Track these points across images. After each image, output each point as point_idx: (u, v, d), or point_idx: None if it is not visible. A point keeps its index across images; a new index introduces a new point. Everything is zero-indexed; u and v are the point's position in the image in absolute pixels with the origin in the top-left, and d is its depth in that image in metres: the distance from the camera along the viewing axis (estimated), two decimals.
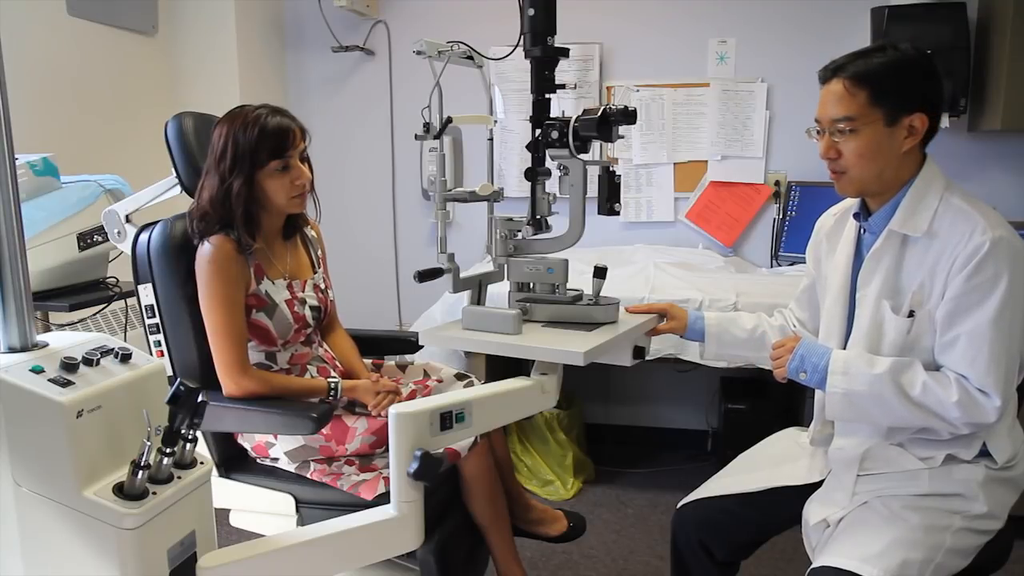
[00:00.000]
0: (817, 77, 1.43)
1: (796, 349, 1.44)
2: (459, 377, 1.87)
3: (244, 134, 1.61)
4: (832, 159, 1.42)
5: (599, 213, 1.66)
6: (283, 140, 1.63)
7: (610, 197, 1.67)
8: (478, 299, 1.79)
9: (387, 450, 1.67)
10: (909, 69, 1.36)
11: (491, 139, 1.80)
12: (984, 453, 1.40)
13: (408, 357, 2.08)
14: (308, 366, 1.79)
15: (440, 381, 1.86)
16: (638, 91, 3.21)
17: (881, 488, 1.42)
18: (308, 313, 1.76)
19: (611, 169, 1.67)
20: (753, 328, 1.69)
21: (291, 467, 1.71)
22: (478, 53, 1.76)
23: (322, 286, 1.85)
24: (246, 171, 1.62)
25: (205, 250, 1.63)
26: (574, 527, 1.93)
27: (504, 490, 1.81)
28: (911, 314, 1.39)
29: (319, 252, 1.90)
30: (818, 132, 1.44)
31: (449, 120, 1.63)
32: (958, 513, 1.38)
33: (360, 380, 1.78)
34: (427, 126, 1.63)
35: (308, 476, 1.70)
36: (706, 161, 3.20)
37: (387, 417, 1.67)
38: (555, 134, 1.63)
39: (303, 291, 1.78)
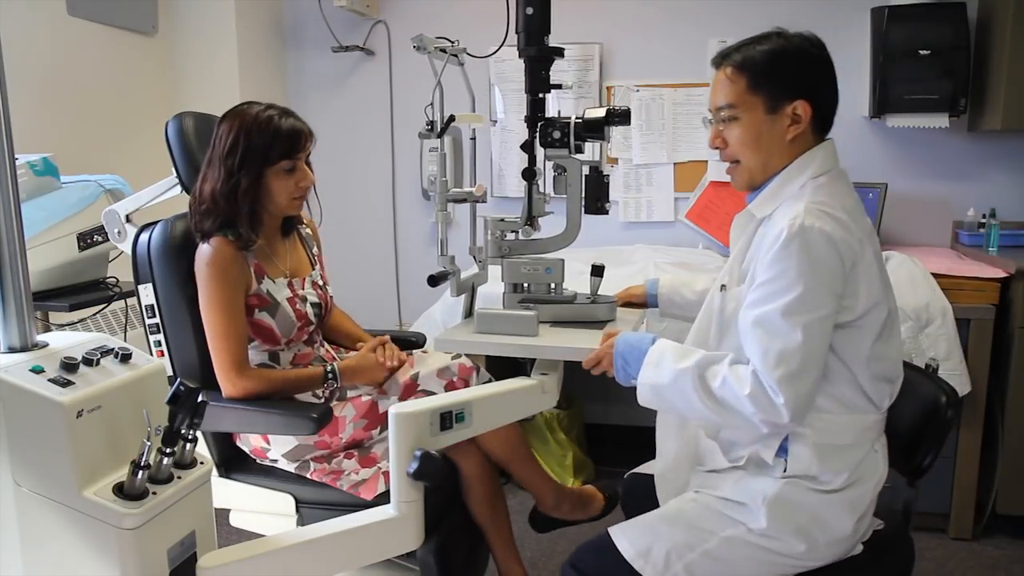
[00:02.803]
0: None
1: (614, 359, 1.40)
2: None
3: (258, 130, 1.61)
4: (719, 148, 1.40)
5: (586, 212, 1.67)
6: (296, 141, 1.64)
7: (599, 196, 1.68)
8: (471, 301, 1.80)
9: (382, 432, 1.67)
10: (790, 56, 1.34)
11: (473, 138, 1.81)
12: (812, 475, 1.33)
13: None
14: (310, 366, 1.79)
15: (425, 352, 1.87)
16: (638, 91, 3.21)
17: (701, 484, 1.42)
18: (310, 310, 1.76)
19: (599, 169, 1.68)
20: (703, 291, 1.70)
21: (291, 468, 1.71)
22: (462, 51, 1.77)
23: (320, 283, 1.85)
24: (256, 167, 1.62)
25: (204, 252, 1.63)
26: (611, 498, 1.90)
27: (534, 482, 1.81)
28: (723, 288, 1.37)
29: (315, 249, 1.91)
30: (710, 122, 1.42)
31: (452, 118, 1.63)
32: (742, 523, 1.33)
33: (357, 360, 1.75)
34: (431, 124, 1.64)
35: (308, 476, 1.70)
36: (706, 161, 3.19)
37: (373, 396, 1.68)
38: (557, 134, 1.63)
39: (303, 288, 1.78)
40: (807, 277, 1.22)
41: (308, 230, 1.91)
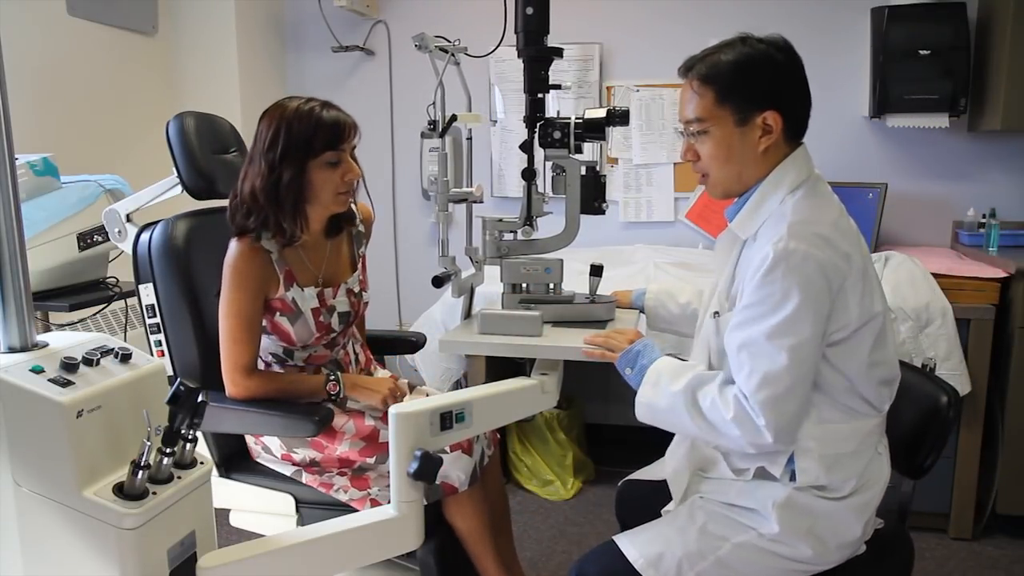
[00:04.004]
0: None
1: (633, 345, 1.43)
2: None
3: (299, 122, 1.55)
4: (692, 161, 1.38)
5: (583, 212, 1.67)
6: (339, 132, 1.58)
7: (596, 196, 1.68)
8: (470, 302, 1.80)
9: (378, 462, 1.66)
10: (756, 66, 1.30)
11: (469, 138, 1.81)
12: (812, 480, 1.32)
13: (411, 359, 2.05)
14: (323, 368, 1.76)
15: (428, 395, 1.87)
16: (638, 91, 3.21)
17: (707, 491, 1.41)
18: (335, 320, 1.71)
19: (596, 169, 1.69)
20: (686, 303, 1.69)
21: (283, 452, 1.69)
22: (462, 50, 1.77)
23: (356, 289, 1.78)
24: (299, 159, 1.55)
25: (230, 253, 1.60)
26: None
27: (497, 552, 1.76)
28: (716, 314, 1.36)
29: (363, 248, 1.84)
30: (682, 133, 1.40)
31: (454, 118, 1.63)
32: (753, 529, 1.32)
33: (369, 381, 1.71)
34: (434, 124, 1.64)
35: (303, 483, 1.70)
36: None
37: (376, 424, 1.67)
38: (557, 134, 1.63)
39: (335, 297, 1.72)
40: (792, 300, 1.21)
41: (362, 227, 1.82)
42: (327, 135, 1.56)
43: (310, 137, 1.55)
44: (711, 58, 1.32)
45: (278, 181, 1.55)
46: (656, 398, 1.34)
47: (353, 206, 1.75)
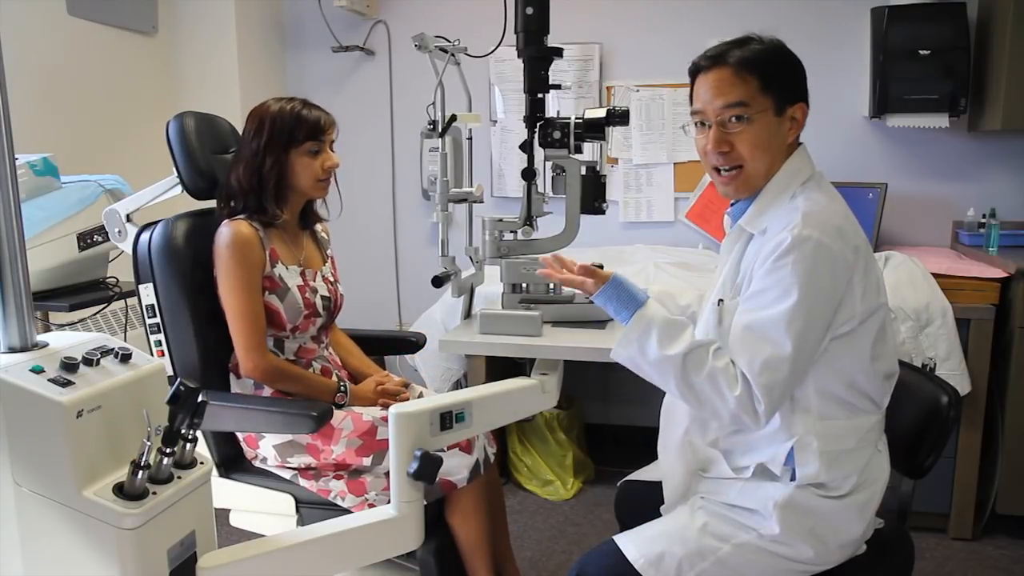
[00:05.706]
0: (687, 71, 1.36)
1: (606, 286, 1.37)
2: None
3: (282, 117, 1.69)
4: (724, 152, 1.31)
5: (583, 212, 1.67)
6: (319, 125, 1.72)
7: (596, 196, 1.68)
8: (470, 302, 1.80)
9: (375, 463, 1.66)
10: (787, 59, 1.32)
11: (470, 138, 1.82)
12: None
13: (411, 359, 2.08)
14: (313, 363, 1.79)
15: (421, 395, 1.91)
16: (638, 91, 3.21)
17: (707, 491, 1.40)
18: (319, 302, 1.78)
19: (596, 169, 1.69)
20: (686, 306, 1.68)
21: (278, 462, 1.70)
22: (462, 50, 1.78)
23: (331, 278, 1.88)
24: (281, 146, 1.69)
25: (223, 234, 1.67)
26: None
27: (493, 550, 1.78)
28: (720, 302, 1.35)
29: (329, 250, 1.94)
30: (699, 125, 1.35)
31: (454, 118, 1.64)
32: (754, 529, 1.32)
33: (365, 387, 1.83)
34: (433, 124, 1.64)
35: (299, 485, 1.70)
36: None
37: (374, 420, 1.68)
38: (557, 134, 1.64)
39: (315, 280, 1.80)
40: (802, 288, 1.21)
41: (324, 234, 1.94)
42: (308, 127, 1.70)
43: (292, 129, 1.69)
44: (740, 50, 1.31)
45: (261, 166, 1.69)
46: (642, 356, 1.30)
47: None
